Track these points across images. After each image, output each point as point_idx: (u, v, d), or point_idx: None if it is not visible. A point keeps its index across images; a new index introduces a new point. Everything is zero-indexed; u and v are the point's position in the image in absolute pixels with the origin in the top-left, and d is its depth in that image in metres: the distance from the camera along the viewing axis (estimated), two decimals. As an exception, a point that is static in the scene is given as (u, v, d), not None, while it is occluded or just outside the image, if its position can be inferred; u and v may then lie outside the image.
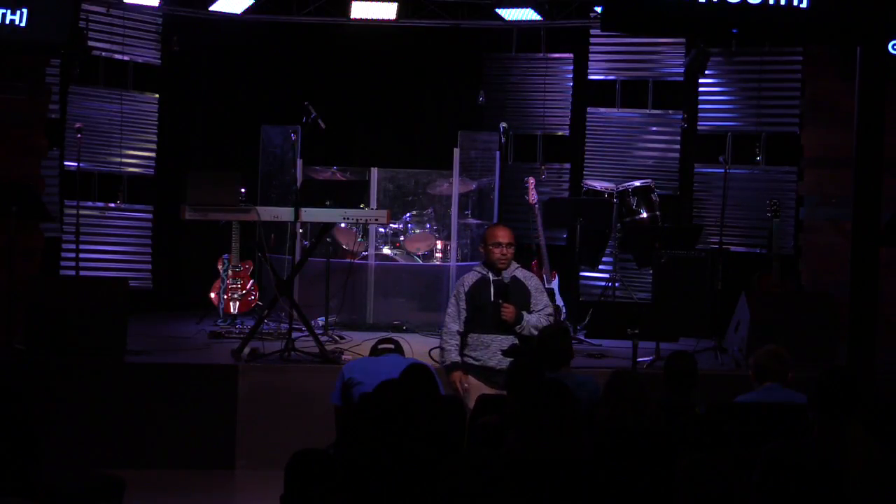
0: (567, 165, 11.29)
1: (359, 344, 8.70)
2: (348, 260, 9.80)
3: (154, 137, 10.94)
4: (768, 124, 10.53)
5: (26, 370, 7.73)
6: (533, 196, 9.61)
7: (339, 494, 3.66)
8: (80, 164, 9.60)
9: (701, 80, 10.59)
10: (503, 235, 7.05)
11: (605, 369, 7.55)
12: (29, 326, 8.00)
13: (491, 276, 6.95)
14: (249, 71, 11.46)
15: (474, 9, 11.12)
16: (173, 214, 9.22)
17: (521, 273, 7.08)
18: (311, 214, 8.45)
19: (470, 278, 7.01)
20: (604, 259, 10.64)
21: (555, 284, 9.31)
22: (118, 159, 10.71)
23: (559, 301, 9.24)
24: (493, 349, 6.87)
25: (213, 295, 9.97)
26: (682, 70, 10.71)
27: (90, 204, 10.49)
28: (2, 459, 3.16)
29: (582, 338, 9.04)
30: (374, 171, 10.37)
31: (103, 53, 10.56)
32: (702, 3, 6.87)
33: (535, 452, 4.34)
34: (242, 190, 8.80)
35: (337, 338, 9.22)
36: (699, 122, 10.80)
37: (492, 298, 6.90)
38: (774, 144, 10.50)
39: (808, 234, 10.16)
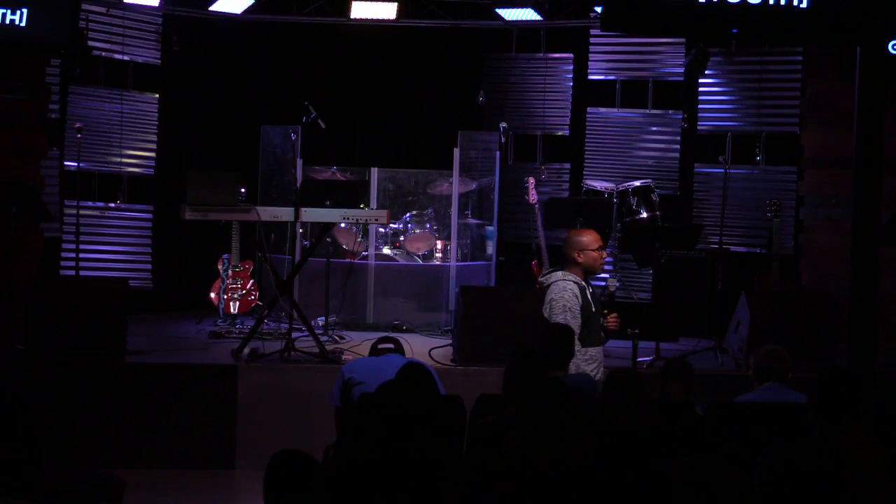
0: (567, 165, 11.29)
1: (359, 344, 8.70)
2: (348, 260, 9.81)
3: (154, 137, 10.94)
4: (768, 124, 10.53)
5: (26, 370, 7.74)
6: (533, 196, 9.61)
7: (324, 496, 3.64)
8: (80, 164, 9.61)
9: (701, 80, 10.59)
10: (600, 238, 6.84)
11: (605, 369, 7.53)
12: (29, 326, 7.99)
13: (584, 284, 6.74)
14: (249, 71, 11.45)
15: (474, 9, 11.12)
16: (173, 214, 9.22)
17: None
18: (311, 214, 8.45)
19: (576, 289, 6.71)
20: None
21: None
22: (118, 159, 10.71)
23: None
24: (599, 362, 6.70)
25: (213, 295, 9.97)
26: (682, 70, 10.70)
27: (90, 204, 10.49)
28: (2, 459, 3.15)
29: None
30: (374, 171, 10.37)
31: (103, 53, 10.56)
32: (702, 3, 6.87)
33: (534, 453, 4.34)
34: (242, 190, 8.81)
35: (337, 338, 9.22)
36: (699, 122, 10.80)
37: (593, 309, 6.74)
38: (774, 144, 10.50)
39: (808, 234, 10.16)
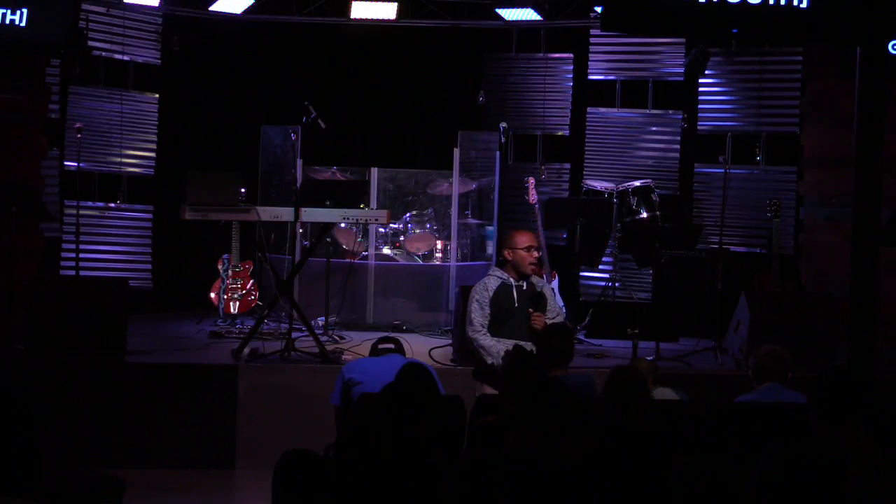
0: (567, 165, 11.29)
1: (359, 344, 8.70)
2: (348, 260, 9.81)
3: (154, 137, 10.94)
4: (768, 124, 10.53)
5: (26, 370, 7.74)
6: (533, 196, 9.61)
7: (331, 496, 3.64)
8: (80, 164, 9.60)
9: (701, 80, 10.59)
10: (533, 239, 6.91)
11: (605, 369, 7.54)
12: (29, 326, 8.00)
13: (513, 281, 6.84)
14: (249, 71, 11.45)
15: (474, 9, 11.12)
16: (173, 214, 9.23)
17: (535, 279, 7.00)
18: (311, 214, 8.45)
19: (492, 283, 6.80)
20: (604, 259, 10.64)
21: (555, 284, 9.30)
22: (118, 159, 10.71)
23: (559, 301, 9.22)
24: None
25: (213, 295, 9.97)
26: (682, 70, 10.71)
27: (90, 204, 10.49)
28: (2, 459, 3.15)
29: (582, 338, 9.04)
30: (374, 171, 10.37)
31: (103, 53, 10.56)
32: (702, 3, 6.88)
33: (534, 453, 4.34)
34: (242, 190, 8.81)
35: (337, 338, 9.22)
36: (699, 122, 10.81)
37: (516, 305, 6.80)
38: (774, 144, 10.50)
39: (808, 234, 10.16)
